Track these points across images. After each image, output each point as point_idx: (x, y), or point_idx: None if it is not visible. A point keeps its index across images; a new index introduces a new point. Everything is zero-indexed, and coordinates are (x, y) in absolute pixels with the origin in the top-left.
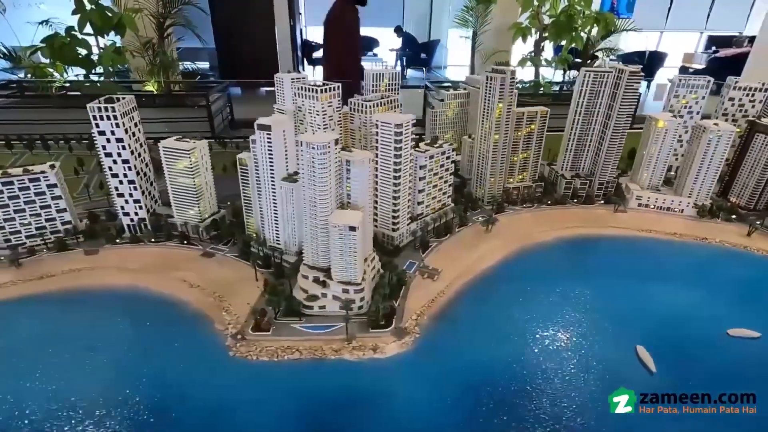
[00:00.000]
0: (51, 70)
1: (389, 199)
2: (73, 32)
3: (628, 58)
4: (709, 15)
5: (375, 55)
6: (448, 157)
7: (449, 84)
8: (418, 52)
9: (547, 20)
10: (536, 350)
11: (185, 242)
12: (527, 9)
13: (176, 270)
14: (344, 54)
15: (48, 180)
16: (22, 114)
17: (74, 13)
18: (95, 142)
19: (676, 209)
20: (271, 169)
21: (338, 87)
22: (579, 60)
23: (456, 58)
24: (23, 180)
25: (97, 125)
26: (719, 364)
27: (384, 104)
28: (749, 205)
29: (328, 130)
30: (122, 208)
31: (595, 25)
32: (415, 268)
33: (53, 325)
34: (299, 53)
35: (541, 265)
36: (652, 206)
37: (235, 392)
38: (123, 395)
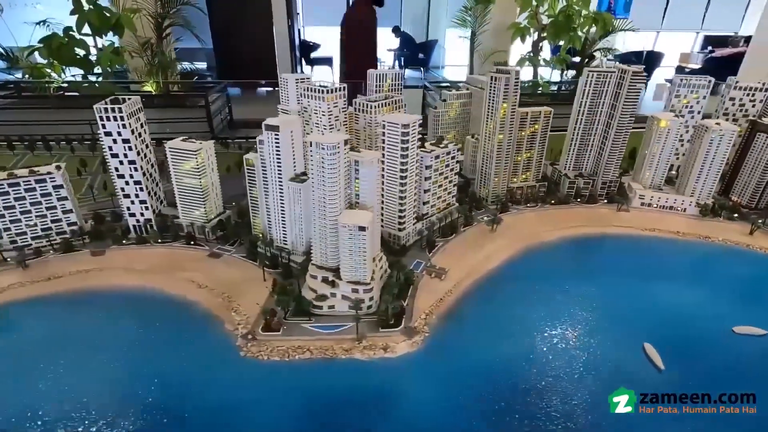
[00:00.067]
0: (49, 70)
1: (395, 198)
2: (71, 32)
3: (626, 58)
4: (705, 15)
5: None
6: (453, 157)
7: (448, 84)
8: (416, 52)
9: (545, 20)
10: (545, 349)
11: (191, 243)
12: (526, 9)
13: (184, 270)
14: (363, 54)
15: (54, 181)
16: (20, 115)
17: (72, 13)
18: (101, 142)
19: (678, 208)
20: (278, 170)
21: (344, 88)
22: (577, 60)
23: (453, 58)
24: (29, 181)
25: (104, 126)
26: (725, 362)
27: (389, 104)
28: (751, 203)
29: (334, 131)
30: (128, 208)
31: (593, 25)
32: (422, 268)
33: (63, 326)
34: (297, 53)
35: (547, 265)
36: (655, 205)
37: (247, 392)
38: (135, 396)
